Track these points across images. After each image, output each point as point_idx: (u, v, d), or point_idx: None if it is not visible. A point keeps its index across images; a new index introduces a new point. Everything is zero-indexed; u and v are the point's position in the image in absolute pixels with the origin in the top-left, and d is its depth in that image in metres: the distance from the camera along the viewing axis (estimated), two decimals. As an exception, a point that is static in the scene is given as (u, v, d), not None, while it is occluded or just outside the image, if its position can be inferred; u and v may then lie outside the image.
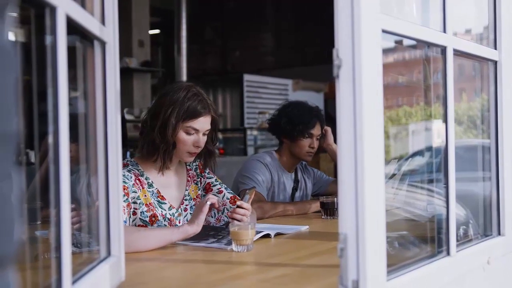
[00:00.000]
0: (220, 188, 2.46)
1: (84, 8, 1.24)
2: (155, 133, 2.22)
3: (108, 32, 1.40)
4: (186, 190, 2.41)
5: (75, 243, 1.35)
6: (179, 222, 2.32)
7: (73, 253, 1.11)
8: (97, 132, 1.39)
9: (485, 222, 1.91)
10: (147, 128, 2.26)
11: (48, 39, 1.03)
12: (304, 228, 2.43)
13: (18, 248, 0.63)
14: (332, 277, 1.54)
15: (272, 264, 1.78)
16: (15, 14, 0.64)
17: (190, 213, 2.37)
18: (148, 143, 2.26)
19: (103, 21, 1.39)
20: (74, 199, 1.21)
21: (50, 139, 1.02)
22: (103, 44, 1.39)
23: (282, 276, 1.62)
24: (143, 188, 2.25)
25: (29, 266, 1.21)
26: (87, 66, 1.38)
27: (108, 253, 1.41)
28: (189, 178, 2.44)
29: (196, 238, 2.09)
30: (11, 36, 0.62)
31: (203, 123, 2.26)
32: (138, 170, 2.28)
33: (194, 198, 2.42)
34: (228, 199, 2.42)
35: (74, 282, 1.12)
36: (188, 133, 2.24)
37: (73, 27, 1.14)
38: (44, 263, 1.28)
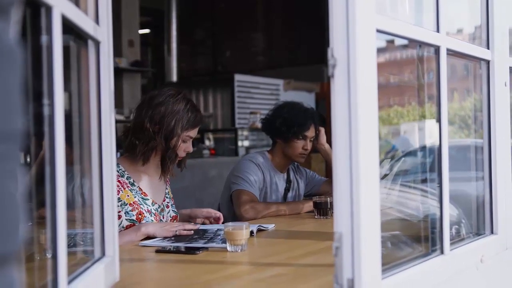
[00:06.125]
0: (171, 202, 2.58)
1: (78, 7, 1.24)
2: (159, 141, 2.32)
3: (102, 31, 1.40)
4: (166, 189, 2.53)
5: (69, 243, 1.35)
6: (163, 218, 2.44)
7: (67, 253, 1.10)
8: (91, 133, 1.39)
9: (478, 221, 1.93)
10: (147, 134, 2.31)
11: (43, 39, 1.03)
12: (271, 226, 2.44)
13: (23, 246, 0.64)
14: (326, 276, 1.55)
15: (267, 264, 1.78)
16: (20, 14, 0.64)
17: (172, 210, 2.51)
18: (151, 149, 2.34)
19: (97, 21, 1.38)
20: (67, 200, 1.21)
21: (46, 140, 1.02)
22: (97, 43, 1.38)
23: (277, 276, 1.63)
24: (124, 188, 2.32)
25: (23, 267, 1.21)
26: (81, 65, 1.38)
27: (103, 254, 1.41)
28: (167, 179, 2.56)
29: (187, 240, 2.09)
30: (16, 36, 0.62)
31: (197, 131, 2.44)
32: (118, 171, 2.31)
33: (172, 198, 2.56)
34: (170, 217, 2.52)
35: (69, 282, 1.12)
36: (184, 141, 2.38)
37: (67, 27, 1.14)
38: (37, 264, 1.27)
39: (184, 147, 2.39)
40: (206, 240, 2.08)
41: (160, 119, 2.32)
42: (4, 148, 0.59)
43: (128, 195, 2.31)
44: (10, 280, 0.61)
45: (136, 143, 2.32)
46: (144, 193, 2.38)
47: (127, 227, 2.25)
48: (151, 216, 2.34)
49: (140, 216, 2.30)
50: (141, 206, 2.33)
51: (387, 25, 1.34)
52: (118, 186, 2.27)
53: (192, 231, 2.22)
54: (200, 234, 2.22)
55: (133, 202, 2.31)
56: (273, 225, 2.47)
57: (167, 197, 2.51)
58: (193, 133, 2.40)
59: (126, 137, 2.36)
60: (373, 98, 1.24)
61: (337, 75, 1.21)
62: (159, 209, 2.42)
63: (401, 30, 1.43)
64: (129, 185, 2.34)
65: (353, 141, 1.19)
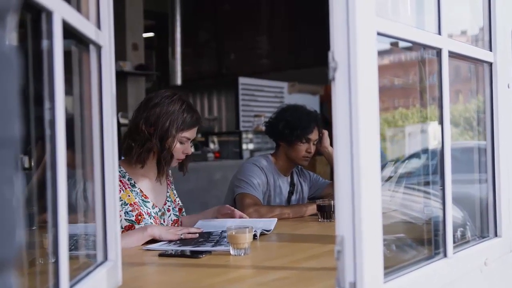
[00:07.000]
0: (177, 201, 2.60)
1: (79, 12, 1.24)
2: (154, 142, 2.32)
3: (104, 36, 1.40)
4: (167, 192, 2.52)
5: (71, 247, 1.35)
6: (164, 221, 2.43)
7: (70, 257, 1.11)
8: (93, 137, 1.39)
9: (482, 224, 1.92)
10: (142, 135, 2.32)
11: (44, 43, 1.03)
12: (274, 222, 2.46)
13: (20, 251, 0.64)
14: (329, 279, 1.54)
15: (270, 267, 1.78)
16: (16, 19, 0.65)
17: (173, 214, 2.50)
18: (147, 150, 2.33)
19: (98, 25, 1.39)
20: (70, 204, 1.21)
21: (47, 144, 1.02)
22: (98, 48, 1.38)
23: (280, 279, 1.62)
24: (126, 189, 2.32)
25: (26, 271, 1.21)
26: (83, 70, 1.38)
27: (105, 258, 1.41)
28: (168, 182, 2.56)
29: (192, 244, 2.09)
30: (13, 42, 0.62)
31: (195, 132, 2.42)
32: (119, 172, 2.32)
33: (173, 201, 2.54)
34: (171, 221, 2.52)
35: (71, 286, 1.12)
36: (181, 143, 2.37)
37: (69, 31, 1.14)
38: (40, 268, 1.28)
39: (182, 149, 2.38)
40: (212, 243, 2.08)
41: (155, 120, 2.32)
42: (1, 154, 0.60)
43: (129, 195, 2.31)
44: (8, 285, 0.61)
45: (132, 145, 2.33)
46: (145, 195, 2.38)
47: (126, 228, 2.25)
48: (150, 218, 2.34)
49: (139, 218, 2.30)
50: (141, 207, 2.33)
51: (388, 28, 1.34)
52: (119, 185, 2.27)
53: (197, 235, 2.22)
54: (205, 237, 2.22)
55: (134, 203, 2.31)
56: (275, 220, 2.49)
57: (168, 201, 2.50)
58: (190, 134, 2.38)
59: (124, 140, 2.37)
60: (374, 100, 1.24)
61: (338, 78, 1.21)
62: (159, 213, 2.42)
63: (402, 33, 1.43)
64: (130, 186, 2.34)
65: (354, 144, 1.19)
